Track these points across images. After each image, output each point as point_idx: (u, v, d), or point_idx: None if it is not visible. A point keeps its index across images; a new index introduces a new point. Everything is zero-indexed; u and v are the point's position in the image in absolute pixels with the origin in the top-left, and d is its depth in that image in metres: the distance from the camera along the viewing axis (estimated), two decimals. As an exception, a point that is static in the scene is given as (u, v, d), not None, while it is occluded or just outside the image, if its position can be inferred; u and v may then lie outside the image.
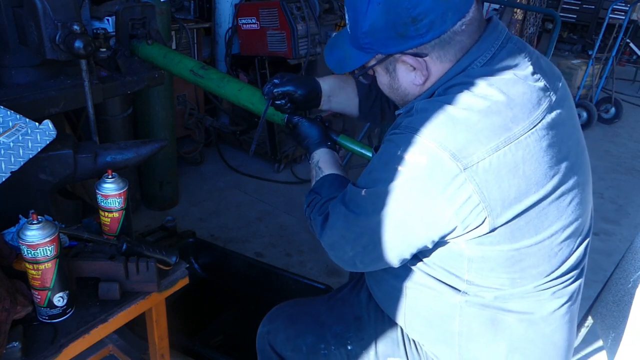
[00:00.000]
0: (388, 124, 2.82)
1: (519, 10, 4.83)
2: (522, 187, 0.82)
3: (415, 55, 0.88)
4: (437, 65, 0.90)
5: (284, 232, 2.77)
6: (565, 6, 8.20)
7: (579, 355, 1.42)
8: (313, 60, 3.32)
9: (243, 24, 3.24)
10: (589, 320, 1.29)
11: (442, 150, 0.79)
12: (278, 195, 3.18)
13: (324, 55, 1.04)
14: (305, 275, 2.17)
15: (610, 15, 4.84)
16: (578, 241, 0.95)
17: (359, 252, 0.93)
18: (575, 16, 8.20)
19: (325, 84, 1.28)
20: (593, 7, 7.99)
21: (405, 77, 0.94)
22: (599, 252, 2.73)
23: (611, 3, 5.10)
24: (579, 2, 8.13)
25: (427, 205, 0.83)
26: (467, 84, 0.85)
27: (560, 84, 0.93)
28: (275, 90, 1.24)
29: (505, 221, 0.84)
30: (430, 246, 0.89)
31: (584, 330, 1.32)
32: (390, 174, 0.84)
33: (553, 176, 0.85)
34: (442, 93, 0.88)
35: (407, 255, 0.91)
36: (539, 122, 0.84)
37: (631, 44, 5.76)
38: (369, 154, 1.20)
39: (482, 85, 0.84)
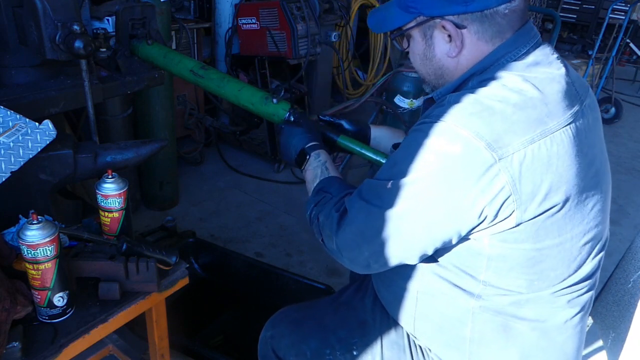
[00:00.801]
0: (392, 119, 2.83)
1: (519, 10, 4.82)
2: (553, 183, 0.81)
3: (455, 24, 0.88)
4: (474, 42, 0.89)
5: (284, 232, 2.77)
6: (565, 6, 8.19)
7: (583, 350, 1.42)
8: (313, 60, 3.32)
9: (243, 24, 3.24)
10: (589, 320, 1.29)
11: (478, 139, 0.78)
12: (278, 195, 3.18)
13: (368, 17, 1.05)
14: (305, 275, 2.17)
15: (610, 15, 4.84)
16: (596, 249, 0.94)
17: (377, 250, 0.89)
18: (575, 16, 8.19)
19: (377, 130, 1.30)
20: (593, 7, 7.98)
21: (441, 46, 0.93)
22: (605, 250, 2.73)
23: (611, 3, 5.10)
24: (579, 2, 8.12)
25: (459, 196, 0.80)
26: (501, 78, 0.85)
27: (588, 95, 0.93)
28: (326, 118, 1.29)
29: (532, 216, 0.82)
30: (455, 241, 0.87)
31: (584, 330, 1.32)
32: (420, 163, 0.82)
33: (583, 178, 0.84)
34: (475, 85, 0.87)
35: (430, 251, 0.88)
36: (572, 121, 0.84)
37: (631, 44, 5.76)
38: (369, 154, 1.20)
39: (517, 80, 0.84)
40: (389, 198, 0.85)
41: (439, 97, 0.96)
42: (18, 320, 0.97)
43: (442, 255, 0.94)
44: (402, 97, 2.84)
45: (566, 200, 0.84)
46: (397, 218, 0.85)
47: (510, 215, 0.82)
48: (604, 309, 1.23)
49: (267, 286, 2.12)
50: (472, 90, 0.85)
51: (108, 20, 2.08)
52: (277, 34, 3.10)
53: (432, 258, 0.95)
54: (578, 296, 0.95)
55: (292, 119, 1.26)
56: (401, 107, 2.84)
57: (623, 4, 5.35)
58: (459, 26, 0.88)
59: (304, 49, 3.11)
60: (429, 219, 0.84)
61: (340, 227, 0.92)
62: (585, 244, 0.91)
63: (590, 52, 4.98)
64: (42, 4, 1.22)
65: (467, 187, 0.79)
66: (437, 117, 0.82)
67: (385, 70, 4.58)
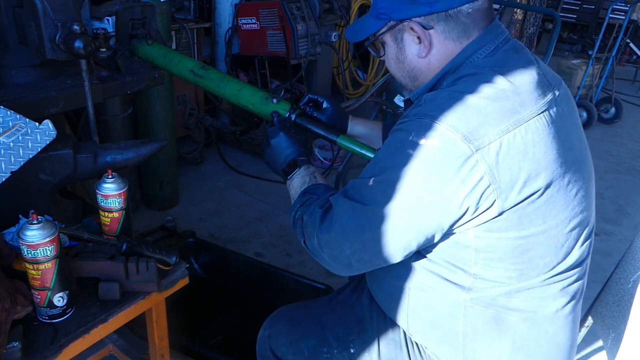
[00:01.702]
0: (392, 119, 2.82)
1: (519, 10, 4.83)
2: (532, 170, 0.83)
3: (422, 25, 0.93)
4: (441, 41, 0.94)
5: (284, 232, 2.77)
6: (565, 6, 8.21)
7: (579, 355, 1.42)
8: (313, 60, 3.32)
9: (243, 24, 3.24)
10: (589, 320, 1.30)
11: (455, 132, 0.81)
12: (278, 195, 3.18)
13: (346, 30, 1.12)
14: (305, 275, 2.17)
15: (610, 15, 4.84)
16: (584, 235, 0.96)
17: (359, 248, 0.90)
18: (575, 16, 8.21)
19: (357, 126, 1.35)
20: (593, 7, 8.00)
21: (411, 48, 0.98)
22: (599, 252, 2.73)
23: (611, 3, 5.10)
24: (579, 2, 8.14)
25: (440, 188, 0.83)
26: (474, 74, 0.88)
27: (561, 87, 0.95)
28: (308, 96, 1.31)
29: (514, 204, 0.84)
30: (438, 236, 0.88)
31: (584, 330, 1.32)
32: (401, 159, 0.84)
33: (562, 163, 0.87)
34: (450, 84, 0.91)
35: (414, 246, 0.89)
36: (546, 110, 0.87)
37: (631, 44, 5.77)
38: (369, 154, 1.20)
39: (489, 74, 0.87)
40: (371, 194, 0.88)
41: (416, 98, 1.01)
42: (18, 320, 0.97)
43: (431, 251, 0.96)
44: (402, 97, 2.84)
45: (547, 186, 0.86)
46: (379, 213, 0.87)
47: (492, 205, 0.84)
48: (604, 309, 1.23)
49: (267, 286, 2.12)
50: (447, 89, 0.89)
51: (108, 20, 2.08)
52: (277, 34, 3.10)
53: (422, 254, 0.97)
54: (568, 284, 0.97)
55: (297, 121, 1.26)
56: (401, 107, 2.84)
57: (623, 4, 5.36)
58: (426, 27, 0.93)
59: (304, 49, 3.11)
60: (411, 212, 0.86)
61: (323, 223, 0.94)
62: (572, 230, 0.92)
63: (590, 52, 4.98)
64: (42, 4, 1.22)
65: (447, 179, 0.82)
66: (415, 116, 0.87)
67: (385, 70, 4.58)
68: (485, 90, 0.85)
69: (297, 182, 1.12)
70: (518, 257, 0.90)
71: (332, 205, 0.95)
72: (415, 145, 0.83)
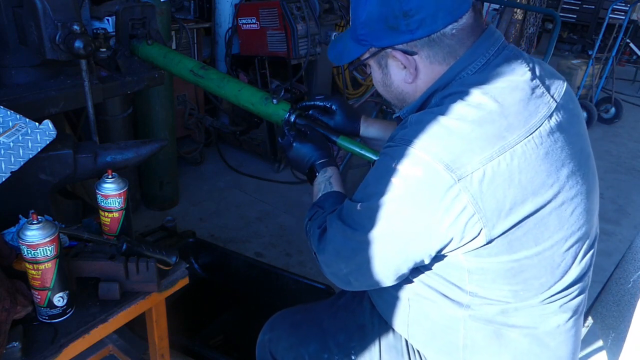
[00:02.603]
0: (392, 119, 2.82)
1: (519, 10, 4.83)
2: (518, 197, 0.81)
3: (405, 52, 0.90)
4: (427, 66, 0.91)
5: (284, 232, 2.77)
6: (565, 6, 8.21)
7: (579, 355, 1.42)
8: (313, 60, 3.32)
9: (243, 24, 3.24)
10: (589, 320, 1.30)
11: (437, 162, 0.79)
12: (278, 195, 3.18)
13: (328, 49, 1.07)
14: (305, 275, 2.17)
15: (610, 15, 4.84)
16: (583, 251, 0.93)
17: (354, 269, 0.92)
18: (575, 16, 8.21)
19: (369, 129, 1.28)
20: (593, 7, 7.99)
21: (397, 73, 0.95)
22: (599, 252, 2.71)
23: (611, 3, 5.10)
24: (579, 2, 8.14)
25: (424, 218, 0.82)
26: (461, 93, 0.85)
27: (564, 91, 0.91)
28: (314, 102, 1.27)
29: (501, 232, 0.82)
30: (427, 261, 0.88)
31: (584, 330, 1.32)
32: (385, 187, 0.83)
33: (552, 184, 0.84)
34: (438, 103, 0.88)
35: (405, 270, 0.90)
36: (536, 129, 0.83)
37: (631, 44, 5.77)
38: (369, 155, 1.20)
39: (476, 94, 0.84)
40: (360, 220, 0.88)
41: (405, 115, 0.97)
42: (18, 320, 0.97)
43: (429, 268, 0.94)
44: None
45: (536, 211, 0.83)
46: (367, 239, 0.87)
47: (479, 233, 0.82)
48: (604, 309, 1.23)
49: (267, 286, 2.12)
50: (433, 110, 0.86)
51: (108, 20, 2.08)
52: (277, 34, 3.09)
53: (420, 269, 0.96)
54: (569, 301, 0.95)
55: (297, 122, 1.25)
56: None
57: (623, 4, 5.36)
58: (409, 53, 0.89)
59: (304, 49, 3.11)
60: (397, 240, 0.86)
61: (320, 244, 0.96)
62: (569, 249, 0.89)
63: (590, 52, 4.98)
64: (42, 4, 1.22)
65: (430, 208, 0.80)
66: (400, 141, 0.84)
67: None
68: (471, 113, 0.82)
69: (315, 190, 1.13)
70: (511, 278, 0.89)
71: (327, 228, 0.96)
72: (398, 174, 0.82)
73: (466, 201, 0.79)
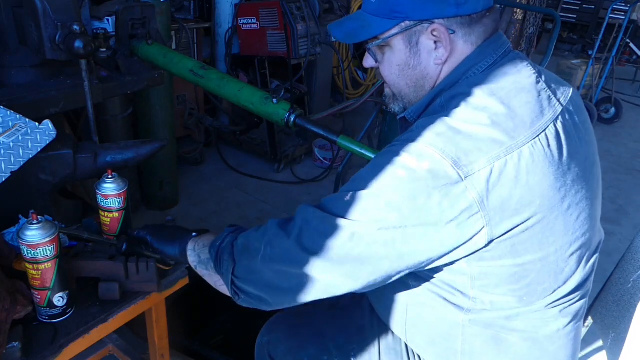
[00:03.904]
0: (388, 125, 2.83)
1: (519, 10, 4.83)
2: (525, 198, 0.79)
3: (446, 28, 0.85)
4: (461, 46, 0.87)
5: (284, 232, 2.76)
6: (565, 6, 8.20)
7: (579, 356, 1.42)
8: (313, 60, 3.32)
9: (243, 24, 3.24)
10: (589, 321, 1.29)
11: (444, 157, 0.77)
12: (278, 195, 3.17)
13: (331, 31, 0.99)
14: (305, 275, 2.16)
15: (610, 15, 4.84)
16: (586, 256, 0.92)
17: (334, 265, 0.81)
18: (575, 16, 8.20)
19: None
20: (593, 7, 7.99)
21: (428, 53, 0.89)
22: (599, 252, 2.73)
23: (611, 3, 5.10)
24: (579, 2, 8.13)
25: (427, 213, 0.78)
26: (467, 94, 0.83)
27: (570, 96, 0.91)
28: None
29: (503, 232, 0.80)
30: (425, 265, 0.83)
31: (584, 330, 1.32)
32: (388, 178, 0.79)
33: (560, 188, 0.82)
34: (444, 103, 0.86)
35: (396, 274, 0.83)
36: (543, 132, 0.82)
37: (631, 44, 5.77)
38: (369, 154, 1.20)
39: (483, 96, 0.83)
40: (350, 209, 0.80)
41: (411, 117, 0.94)
42: (18, 320, 0.97)
43: (430, 273, 0.91)
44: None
45: (543, 215, 0.82)
46: (352, 230, 0.79)
47: (481, 231, 0.79)
48: (604, 309, 1.23)
49: (267, 286, 2.11)
50: (440, 113, 0.84)
51: (108, 20, 2.07)
52: (277, 34, 3.09)
53: (421, 275, 0.93)
54: (570, 305, 0.94)
55: (292, 119, 1.25)
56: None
57: (623, 4, 5.36)
58: (449, 30, 0.85)
59: (304, 49, 3.11)
60: (396, 237, 0.79)
61: (284, 230, 0.86)
62: (572, 254, 0.89)
63: (590, 52, 4.98)
64: (42, 4, 1.22)
65: (435, 201, 0.77)
66: (406, 140, 0.81)
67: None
68: (478, 115, 0.81)
69: (196, 259, 1.08)
70: (515, 283, 0.87)
71: (294, 219, 0.85)
72: (404, 166, 0.79)
73: (472, 199, 0.77)
